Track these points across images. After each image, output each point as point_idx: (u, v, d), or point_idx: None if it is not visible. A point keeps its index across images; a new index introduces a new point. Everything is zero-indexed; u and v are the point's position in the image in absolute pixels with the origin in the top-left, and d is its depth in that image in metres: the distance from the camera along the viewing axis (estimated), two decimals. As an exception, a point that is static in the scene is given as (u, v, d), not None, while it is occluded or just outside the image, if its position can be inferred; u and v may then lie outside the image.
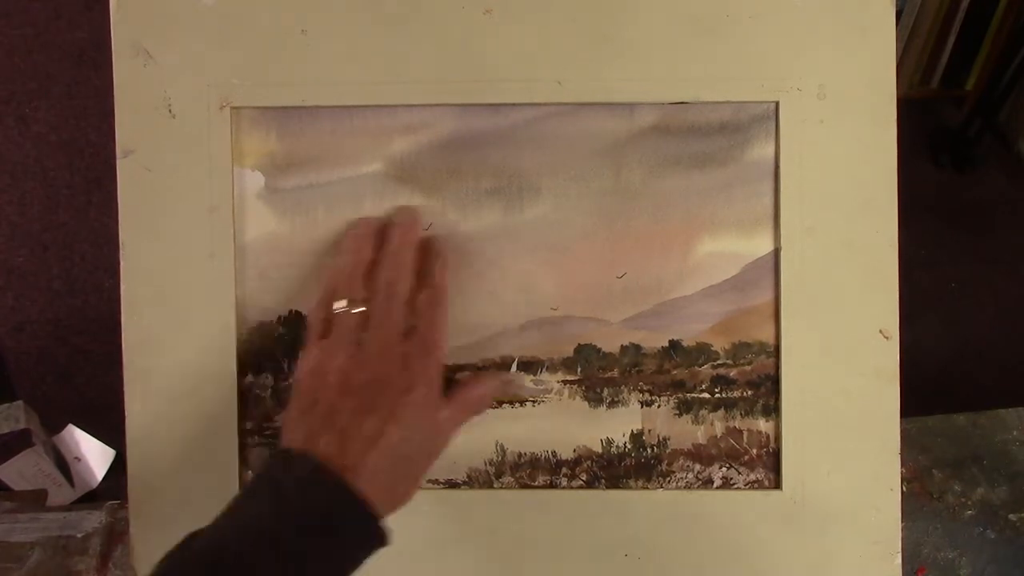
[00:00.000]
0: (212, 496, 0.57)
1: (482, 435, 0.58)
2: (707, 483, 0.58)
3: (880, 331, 0.56)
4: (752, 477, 0.58)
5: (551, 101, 0.56)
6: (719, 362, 0.57)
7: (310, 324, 0.53)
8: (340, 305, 0.51)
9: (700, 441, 0.58)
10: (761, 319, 0.57)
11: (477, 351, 0.58)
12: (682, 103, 0.56)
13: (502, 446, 0.58)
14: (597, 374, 0.58)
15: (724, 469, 0.58)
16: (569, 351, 0.58)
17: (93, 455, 1.43)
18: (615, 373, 0.58)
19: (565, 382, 0.58)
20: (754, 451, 0.58)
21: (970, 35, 1.81)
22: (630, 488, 0.58)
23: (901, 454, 0.56)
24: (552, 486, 0.58)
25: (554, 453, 0.58)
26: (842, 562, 0.57)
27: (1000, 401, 0.79)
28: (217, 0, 0.55)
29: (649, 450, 0.58)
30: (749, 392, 0.57)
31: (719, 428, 0.58)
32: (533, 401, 0.58)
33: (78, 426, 1.44)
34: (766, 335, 0.57)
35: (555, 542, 0.57)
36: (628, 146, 0.56)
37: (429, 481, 0.58)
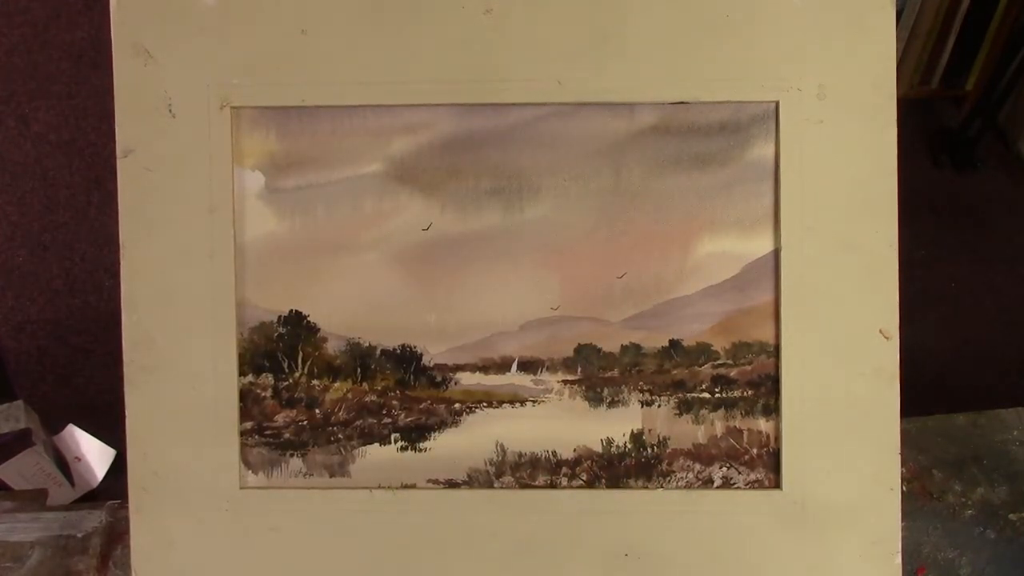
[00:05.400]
0: (212, 496, 0.57)
1: (482, 435, 0.58)
2: (707, 483, 0.58)
3: (880, 331, 0.56)
4: (752, 477, 0.58)
5: (551, 101, 0.56)
6: (719, 362, 0.57)
7: None
8: None
9: (700, 441, 0.58)
10: (761, 319, 0.57)
11: (477, 351, 0.58)
12: (682, 103, 0.56)
13: (502, 446, 0.58)
14: (597, 374, 0.58)
15: (724, 469, 0.58)
16: (569, 351, 0.58)
17: (93, 455, 1.43)
18: (615, 373, 0.58)
19: (565, 382, 0.58)
20: (754, 451, 0.58)
21: (970, 35, 1.81)
22: (630, 488, 0.58)
23: (901, 454, 0.56)
24: (552, 486, 0.58)
25: (554, 453, 0.58)
26: (842, 562, 0.57)
27: (1000, 401, 0.79)
28: (217, 0, 0.55)
29: (649, 450, 0.58)
30: (749, 392, 0.57)
31: (719, 428, 0.58)
32: (533, 401, 0.58)
33: (78, 426, 1.44)
34: (766, 335, 0.57)
35: (555, 542, 0.57)
36: (628, 146, 0.56)
37: (429, 481, 0.58)
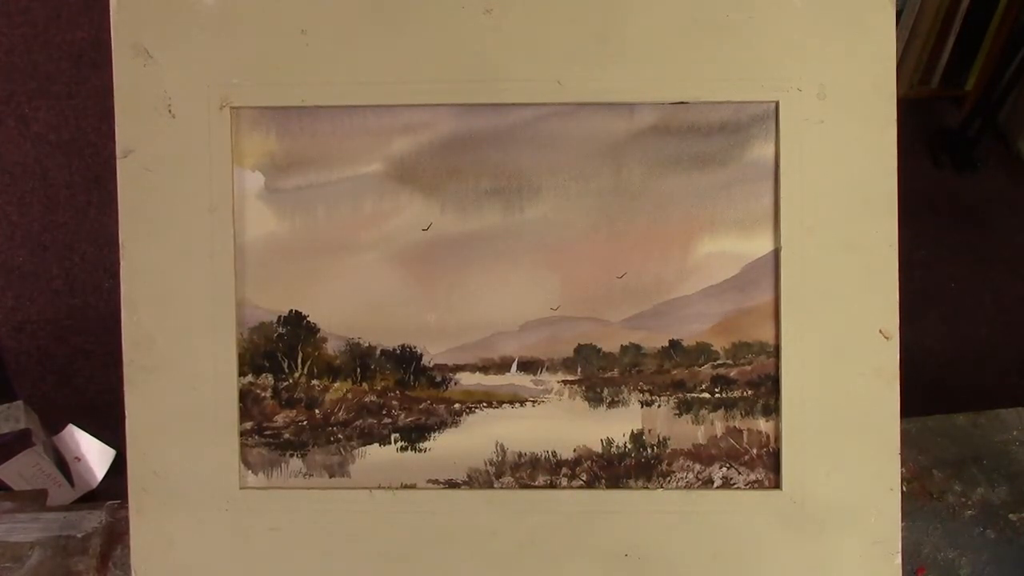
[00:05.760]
0: (212, 496, 0.57)
1: (482, 435, 0.58)
2: (707, 483, 0.58)
3: (880, 331, 0.56)
4: (752, 477, 0.58)
5: (551, 101, 0.56)
6: (719, 362, 0.57)
7: None
8: None
9: (700, 441, 0.58)
10: (761, 319, 0.57)
11: (477, 351, 0.58)
12: (682, 103, 0.56)
13: (502, 446, 0.58)
14: (597, 374, 0.58)
15: (724, 469, 0.58)
16: (569, 351, 0.58)
17: (93, 455, 1.43)
18: (615, 373, 0.58)
19: (565, 382, 0.58)
20: (754, 451, 0.58)
21: (970, 35, 1.81)
22: (630, 488, 0.58)
23: (901, 454, 0.56)
24: (552, 486, 0.58)
25: (554, 453, 0.58)
26: (842, 562, 0.57)
27: (1000, 401, 0.79)
28: (217, 0, 0.55)
29: (649, 450, 0.58)
30: (749, 392, 0.57)
31: (719, 428, 0.58)
32: (533, 401, 0.58)
33: (78, 426, 1.44)
34: (766, 335, 0.57)
35: (555, 542, 0.57)
36: (628, 146, 0.56)
37: (429, 481, 0.58)
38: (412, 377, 0.58)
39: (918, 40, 1.83)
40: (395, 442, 0.58)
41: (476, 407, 0.58)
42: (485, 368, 0.58)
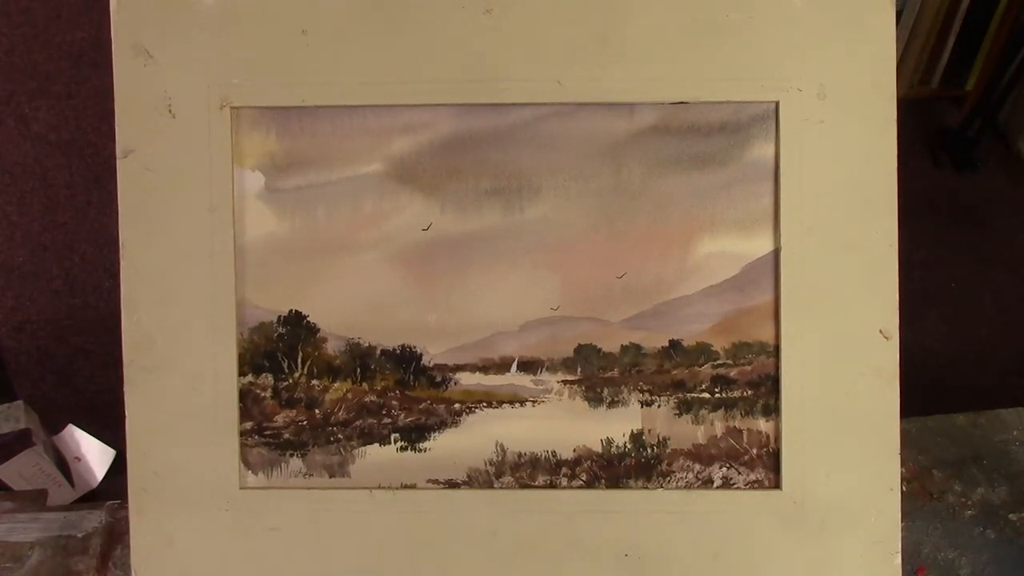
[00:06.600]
0: (212, 496, 0.57)
1: (482, 435, 0.58)
2: (707, 483, 0.58)
3: (880, 331, 0.56)
4: (752, 477, 0.58)
5: (551, 101, 0.56)
6: (719, 362, 0.57)
7: None
8: None
9: (700, 441, 0.58)
10: (761, 319, 0.57)
11: (477, 351, 0.58)
12: (682, 103, 0.56)
13: (502, 446, 0.58)
14: (597, 374, 0.58)
15: (724, 469, 0.58)
16: (569, 351, 0.58)
17: (93, 455, 1.43)
18: (615, 373, 0.58)
19: (565, 382, 0.58)
20: (754, 451, 0.58)
21: (970, 35, 1.81)
22: (630, 488, 0.58)
23: (901, 454, 0.56)
24: (552, 486, 0.58)
25: (554, 453, 0.58)
26: (842, 562, 0.57)
27: (1000, 401, 0.79)
28: (217, 0, 0.55)
29: (649, 450, 0.58)
30: (749, 392, 0.57)
31: (719, 428, 0.58)
32: (533, 401, 0.58)
33: (78, 426, 1.44)
34: (766, 335, 0.57)
35: (555, 542, 0.57)
36: (628, 146, 0.56)
37: (429, 481, 0.58)
38: (412, 377, 0.58)
39: (918, 40, 1.83)
40: (395, 442, 0.58)
41: (476, 407, 0.58)
42: (485, 368, 0.58)
